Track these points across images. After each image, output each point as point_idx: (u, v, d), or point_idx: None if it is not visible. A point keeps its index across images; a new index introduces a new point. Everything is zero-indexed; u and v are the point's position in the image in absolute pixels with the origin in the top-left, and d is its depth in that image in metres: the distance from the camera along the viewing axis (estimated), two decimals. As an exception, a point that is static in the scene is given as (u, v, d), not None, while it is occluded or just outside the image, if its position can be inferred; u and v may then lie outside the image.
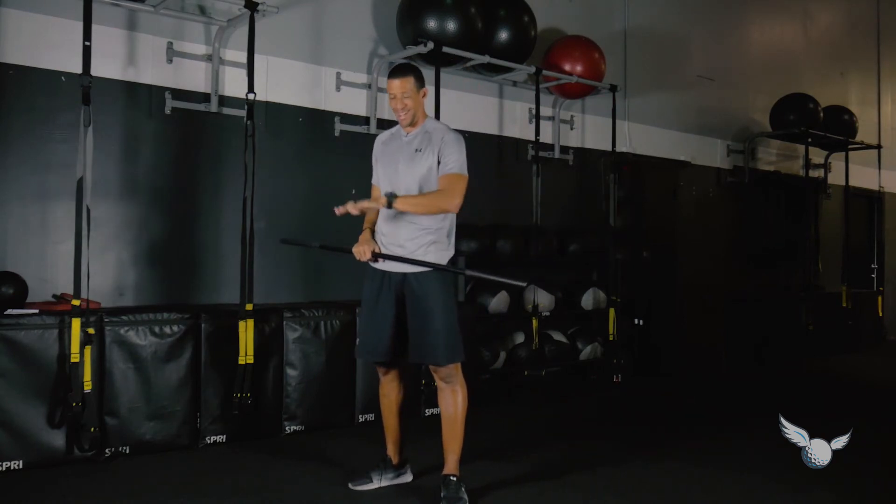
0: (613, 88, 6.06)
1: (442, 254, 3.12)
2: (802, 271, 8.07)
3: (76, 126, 3.65)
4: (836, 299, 8.26)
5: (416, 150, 3.11)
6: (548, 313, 5.74)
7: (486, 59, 5.21)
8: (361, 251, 3.11)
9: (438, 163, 3.07)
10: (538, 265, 5.76)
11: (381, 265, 3.16)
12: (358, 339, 3.34)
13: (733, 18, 8.08)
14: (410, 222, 3.08)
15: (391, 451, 3.35)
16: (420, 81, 3.16)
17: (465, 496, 3.05)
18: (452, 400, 3.11)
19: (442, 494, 3.05)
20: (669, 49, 7.28)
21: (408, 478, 3.38)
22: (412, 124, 3.17)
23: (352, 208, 2.99)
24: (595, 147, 6.53)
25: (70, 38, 3.93)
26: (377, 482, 3.29)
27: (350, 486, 3.28)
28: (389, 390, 3.32)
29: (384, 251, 3.14)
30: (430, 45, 4.83)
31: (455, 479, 3.08)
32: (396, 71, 3.14)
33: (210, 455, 3.80)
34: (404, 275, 3.11)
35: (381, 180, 3.23)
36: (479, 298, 5.44)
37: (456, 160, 3.05)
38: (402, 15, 5.06)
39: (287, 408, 4.21)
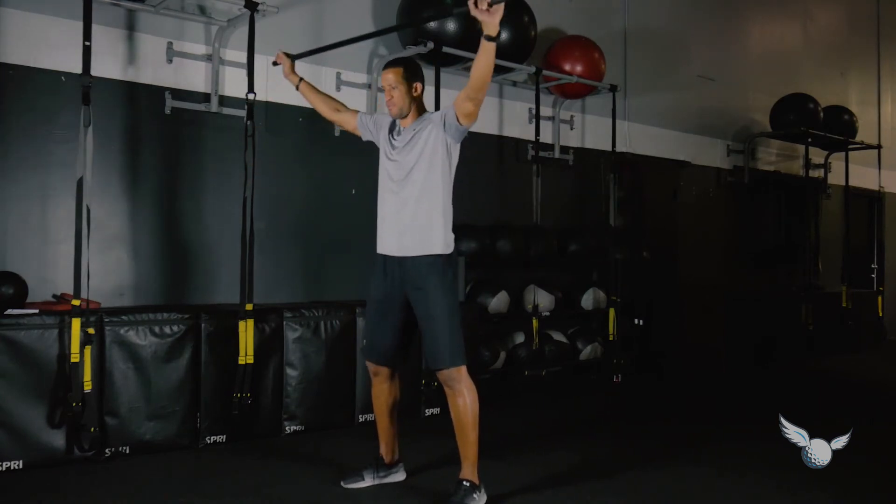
0: (613, 88, 6.06)
1: (444, 241, 3.10)
2: (802, 271, 8.07)
3: (76, 126, 3.65)
4: (836, 299, 8.25)
5: (414, 132, 3.11)
6: (548, 313, 5.73)
7: (486, 58, 5.20)
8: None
9: (444, 125, 3.04)
10: (538, 265, 5.76)
11: (384, 249, 3.16)
12: (364, 340, 3.35)
13: (733, 18, 8.08)
14: (416, 222, 3.07)
15: (384, 450, 3.35)
16: (412, 74, 3.15)
17: None
18: (460, 404, 3.06)
19: (450, 497, 3.02)
20: (669, 49, 7.28)
21: (400, 476, 3.37)
22: (403, 117, 3.17)
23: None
24: (595, 147, 6.53)
25: (70, 38, 3.93)
26: (369, 481, 3.29)
27: (342, 484, 3.28)
28: (380, 392, 3.32)
29: (391, 236, 3.13)
30: (430, 45, 4.83)
31: (468, 483, 3.02)
32: (388, 62, 3.23)
33: (210, 455, 3.80)
34: (405, 266, 3.08)
35: (382, 164, 3.21)
36: (479, 298, 5.44)
37: None
38: (402, 15, 5.05)
39: (287, 408, 4.20)
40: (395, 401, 3.34)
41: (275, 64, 3.60)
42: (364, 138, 3.41)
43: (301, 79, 3.52)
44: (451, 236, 3.14)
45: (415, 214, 3.08)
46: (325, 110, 3.53)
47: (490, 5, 2.64)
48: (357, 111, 3.47)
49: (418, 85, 3.17)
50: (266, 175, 4.49)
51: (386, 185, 3.18)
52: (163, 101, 4.36)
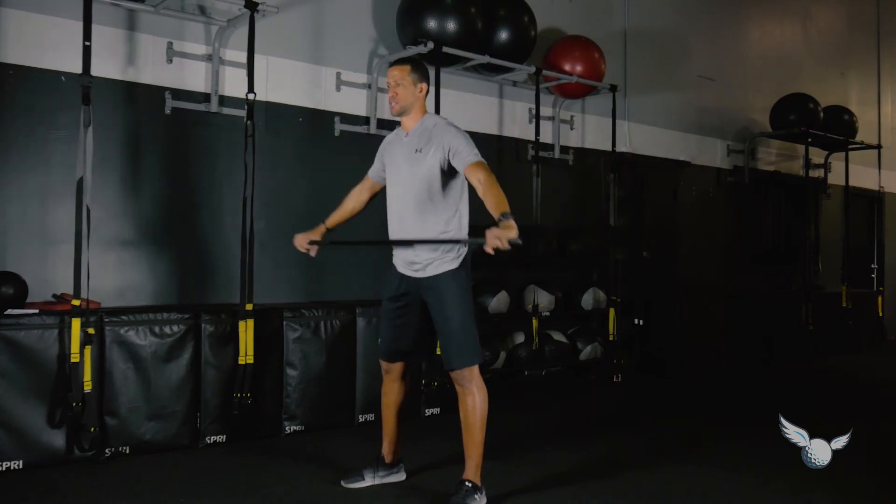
0: (613, 88, 6.06)
1: (456, 258, 3.12)
2: (802, 271, 8.07)
3: (76, 126, 3.65)
4: (836, 299, 8.25)
5: (416, 151, 3.10)
6: (548, 313, 5.73)
7: (486, 59, 5.21)
8: (297, 242, 3.32)
9: (448, 159, 3.04)
10: (538, 265, 5.75)
11: (401, 269, 3.17)
12: (379, 339, 3.34)
13: (733, 18, 8.08)
14: (430, 233, 3.08)
15: (386, 449, 3.35)
16: (418, 74, 3.15)
17: None
18: (469, 404, 3.05)
19: (451, 497, 3.01)
20: (669, 49, 7.28)
21: (401, 476, 3.38)
22: (404, 115, 3.17)
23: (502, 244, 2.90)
24: (595, 147, 6.53)
25: (70, 38, 3.92)
26: (370, 480, 3.30)
27: (342, 483, 3.28)
28: (390, 390, 3.33)
29: (405, 264, 3.14)
30: (430, 45, 4.83)
31: (470, 485, 3.01)
32: (396, 60, 3.22)
33: (210, 455, 3.80)
34: (419, 279, 3.12)
35: (388, 181, 3.25)
36: (480, 298, 5.44)
37: (469, 150, 3.02)
38: (402, 15, 5.06)
39: (287, 408, 4.20)
40: (403, 400, 3.35)
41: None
42: (385, 180, 3.32)
43: (326, 228, 3.41)
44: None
45: (426, 231, 3.07)
46: (360, 206, 3.44)
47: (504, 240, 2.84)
48: (366, 176, 3.42)
49: (424, 85, 3.17)
50: (266, 175, 4.49)
51: (395, 201, 3.18)
52: (163, 101, 4.36)
